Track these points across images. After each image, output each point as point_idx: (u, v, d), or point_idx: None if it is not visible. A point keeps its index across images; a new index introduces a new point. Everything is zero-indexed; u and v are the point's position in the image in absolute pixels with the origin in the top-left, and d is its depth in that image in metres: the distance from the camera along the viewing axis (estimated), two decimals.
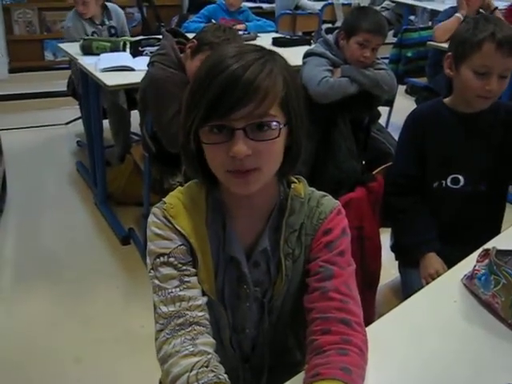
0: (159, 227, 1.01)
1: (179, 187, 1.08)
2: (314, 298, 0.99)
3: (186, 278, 0.98)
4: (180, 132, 0.98)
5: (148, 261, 1.01)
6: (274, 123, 0.91)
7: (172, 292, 0.97)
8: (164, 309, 0.96)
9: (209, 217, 1.03)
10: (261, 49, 0.95)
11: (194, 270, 1.00)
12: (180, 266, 0.99)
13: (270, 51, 0.96)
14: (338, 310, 0.96)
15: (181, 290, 0.97)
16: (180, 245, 1.00)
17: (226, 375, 0.91)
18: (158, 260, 0.99)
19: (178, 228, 1.00)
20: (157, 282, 0.99)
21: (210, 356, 0.92)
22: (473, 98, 1.59)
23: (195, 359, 0.90)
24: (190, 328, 0.94)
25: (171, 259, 0.99)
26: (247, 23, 4.05)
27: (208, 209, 1.03)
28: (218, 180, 1.00)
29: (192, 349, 0.91)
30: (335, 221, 1.04)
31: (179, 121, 2.11)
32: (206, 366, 0.90)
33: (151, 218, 1.02)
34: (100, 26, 3.67)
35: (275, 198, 1.05)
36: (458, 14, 3.74)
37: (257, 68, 0.89)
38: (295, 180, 1.07)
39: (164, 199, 1.05)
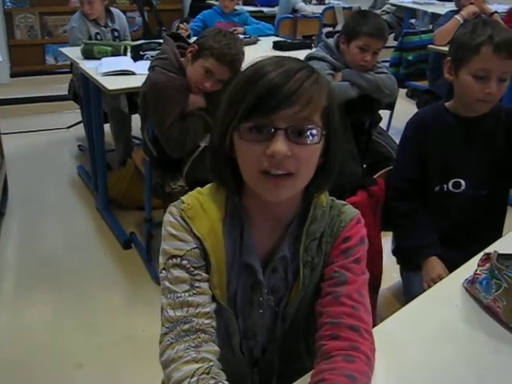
0: (175, 227, 0.99)
1: (198, 188, 1.06)
2: (326, 302, 0.99)
3: (197, 283, 0.98)
4: (215, 129, 0.98)
5: (160, 260, 1.00)
6: (316, 129, 0.91)
7: (181, 296, 0.96)
8: (171, 312, 0.96)
9: (226, 222, 1.01)
10: (302, 62, 0.96)
11: (206, 275, 0.99)
12: (192, 269, 0.98)
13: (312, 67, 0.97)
14: (349, 316, 0.96)
15: (190, 296, 0.96)
16: (194, 248, 0.99)
17: (227, 382, 0.91)
18: (170, 261, 0.98)
19: (194, 231, 0.99)
20: (167, 283, 0.98)
21: (211, 363, 0.91)
22: (473, 102, 1.59)
23: (197, 365, 0.90)
24: (195, 335, 0.94)
25: (184, 262, 0.98)
26: (246, 27, 4.07)
27: (227, 214, 1.02)
28: (242, 185, 0.99)
29: (194, 355, 0.91)
30: (355, 229, 1.04)
31: (180, 125, 2.11)
32: (207, 373, 0.89)
33: (167, 217, 1.01)
34: (104, 28, 3.70)
35: (297, 207, 1.04)
36: (457, 17, 3.73)
37: (304, 74, 0.91)
38: None
39: (182, 198, 1.03)
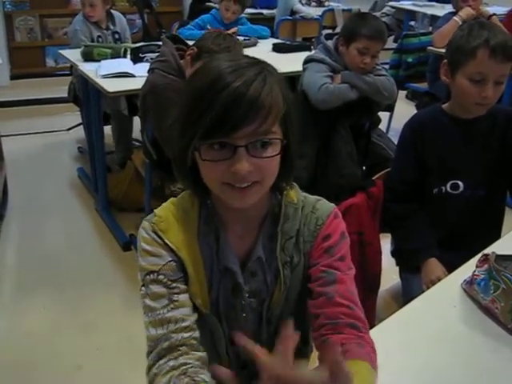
0: (148, 243, 1.00)
1: (172, 198, 1.07)
2: (320, 303, 0.99)
3: (175, 297, 0.98)
4: (175, 145, 0.96)
5: (139, 276, 1.01)
6: (276, 140, 0.91)
7: (160, 314, 0.97)
8: (152, 331, 0.97)
9: (201, 228, 1.01)
10: (256, 62, 0.92)
11: (184, 286, 1.00)
12: (169, 283, 0.98)
13: (264, 63, 0.94)
14: (347, 315, 0.97)
15: (169, 311, 0.97)
16: (170, 261, 0.99)
17: (203, 376, 0.91)
18: (148, 277, 0.99)
19: (168, 243, 0.99)
20: (147, 301, 0.99)
21: (189, 365, 0.92)
22: (470, 105, 1.60)
23: (175, 372, 0.91)
24: (175, 351, 0.95)
25: (160, 277, 0.98)
26: (239, 26, 3.97)
27: (200, 220, 1.02)
28: (210, 191, 0.99)
29: (172, 363, 0.93)
30: (333, 225, 1.03)
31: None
32: (184, 373, 0.91)
33: (141, 233, 1.02)
34: (105, 31, 3.72)
35: (267, 206, 1.04)
36: (455, 18, 3.72)
37: (259, 85, 0.87)
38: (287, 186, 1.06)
39: (155, 211, 1.04)
